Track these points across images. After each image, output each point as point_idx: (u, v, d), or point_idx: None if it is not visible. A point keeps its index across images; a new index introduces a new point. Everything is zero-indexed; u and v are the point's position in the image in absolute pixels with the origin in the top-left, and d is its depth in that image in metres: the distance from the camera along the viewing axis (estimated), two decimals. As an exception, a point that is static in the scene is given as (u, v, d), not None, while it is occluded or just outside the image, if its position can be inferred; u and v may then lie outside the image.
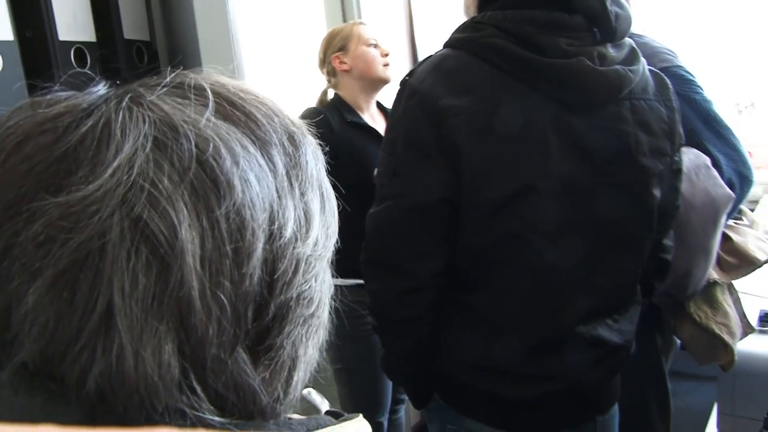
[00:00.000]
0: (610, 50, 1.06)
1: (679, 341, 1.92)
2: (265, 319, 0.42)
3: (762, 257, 1.65)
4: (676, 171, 1.17)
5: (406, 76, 1.10)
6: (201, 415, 0.39)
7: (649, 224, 1.15)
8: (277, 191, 0.43)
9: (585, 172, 1.06)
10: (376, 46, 2.04)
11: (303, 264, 0.44)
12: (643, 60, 1.12)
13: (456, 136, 1.00)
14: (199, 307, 0.38)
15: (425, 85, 1.04)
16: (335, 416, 0.45)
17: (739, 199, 1.57)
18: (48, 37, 0.77)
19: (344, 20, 2.31)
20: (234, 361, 0.40)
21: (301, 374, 0.46)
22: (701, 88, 1.56)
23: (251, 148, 0.42)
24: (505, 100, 1.02)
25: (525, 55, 1.02)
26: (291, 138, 0.46)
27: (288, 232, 0.43)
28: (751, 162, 1.59)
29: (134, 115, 0.40)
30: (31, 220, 0.37)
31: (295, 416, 0.45)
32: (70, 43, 0.80)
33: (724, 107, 3.40)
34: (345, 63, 2.03)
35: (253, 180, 0.41)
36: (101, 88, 0.44)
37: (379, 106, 2.14)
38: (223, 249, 0.39)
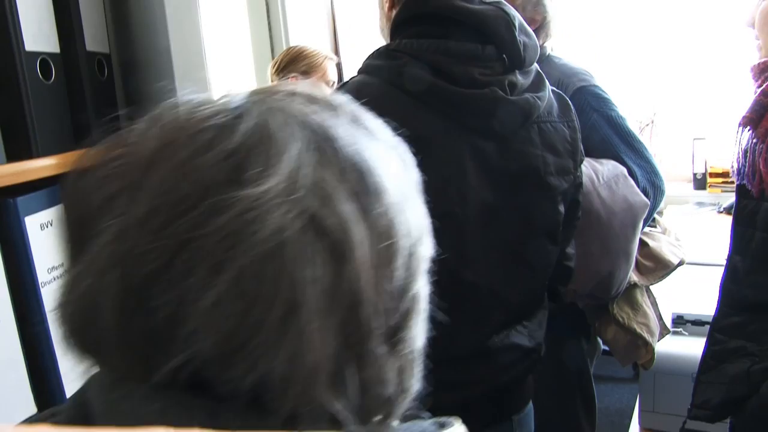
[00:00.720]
0: (519, 78, 1.11)
1: (602, 347, 2.02)
2: (400, 313, 0.44)
3: (675, 260, 1.77)
4: (578, 185, 1.24)
5: None
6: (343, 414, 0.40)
7: (555, 238, 1.21)
8: (405, 193, 0.46)
9: (498, 195, 1.10)
10: (332, 87, 2.06)
11: (422, 262, 0.46)
12: (548, 84, 1.18)
13: None
14: (366, 299, 0.40)
15: None
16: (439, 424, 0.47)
17: (653, 207, 1.67)
18: (14, 47, 0.76)
19: (270, 36, 2.31)
20: (380, 354, 0.42)
21: (419, 368, 0.47)
22: (616, 106, 1.67)
23: (385, 152, 0.45)
24: (423, 129, 1.04)
25: (441, 84, 1.05)
26: (403, 152, 0.50)
27: (414, 233, 0.45)
28: (661, 173, 1.72)
29: (289, 118, 0.41)
30: (214, 213, 0.37)
31: (400, 424, 0.46)
32: (36, 54, 0.79)
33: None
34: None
35: (394, 184, 0.43)
36: (237, 93, 0.44)
37: None
38: (381, 246, 0.41)
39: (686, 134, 3.61)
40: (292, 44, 2.22)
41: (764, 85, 1.17)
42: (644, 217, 1.60)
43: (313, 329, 0.37)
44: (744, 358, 1.22)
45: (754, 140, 1.18)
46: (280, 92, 0.44)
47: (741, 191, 1.27)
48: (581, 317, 1.79)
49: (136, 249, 0.37)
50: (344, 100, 0.47)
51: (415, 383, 0.47)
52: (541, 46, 1.79)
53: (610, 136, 1.63)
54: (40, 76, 0.79)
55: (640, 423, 2.08)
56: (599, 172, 1.53)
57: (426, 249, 0.48)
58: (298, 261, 0.37)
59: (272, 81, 2.05)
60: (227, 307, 0.36)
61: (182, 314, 0.37)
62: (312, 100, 0.44)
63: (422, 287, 0.47)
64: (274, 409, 0.38)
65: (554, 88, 1.22)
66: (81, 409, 0.42)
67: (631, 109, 3.69)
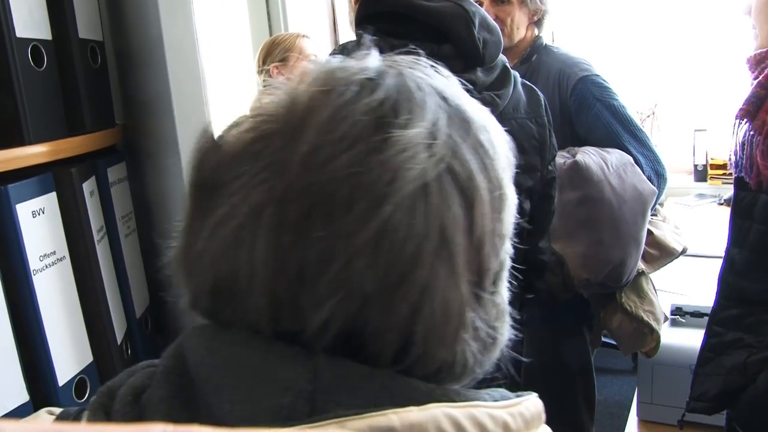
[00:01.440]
0: (480, 75, 1.11)
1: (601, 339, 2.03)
2: (500, 261, 0.47)
3: (678, 248, 1.79)
4: (549, 181, 1.24)
5: None
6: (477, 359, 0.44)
7: (520, 236, 1.21)
8: (504, 154, 0.49)
9: None
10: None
11: (511, 229, 0.49)
12: (515, 80, 1.18)
13: None
14: (488, 240, 0.44)
15: None
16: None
17: (659, 194, 1.70)
18: (5, 33, 0.75)
19: (269, 26, 2.31)
20: (488, 299, 0.45)
21: (508, 319, 0.50)
22: (617, 95, 1.69)
23: (489, 119, 0.49)
24: None
25: None
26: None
27: (508, 195, 0.48)
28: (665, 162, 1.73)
29: (419, 80, 0.45)
30: (373, 151, 0.40)
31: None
32: (27, 41, 0.79)
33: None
34: (282, 75, 2.03)
35: (498, 145, 0.48)
36: (372, 58, 0.47)
37: None
38: (494, 194, 0.45)
39: (687, 126, 3.61)
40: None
41: (761, 77, 1.16)
42: (652, 204, 1.63)
43: (459, 264, 0.41)
44: (741, 349, 1.22)
45: (751, 132, 1.17)
46: (407, 60, 0.49)
47: (739, 183, 1.26)
48: (585, 309, 1.80)
49: (297, 183, 0.39)
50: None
51: (506, 333, 0.49)
52: (537, 37, 1.79)
53: (614, 125, 1.65)
54: (32, 63, 0.78)
55: (638, 415, 2.07)
56: (608, 161, 1.55)
57: (510, 216, 0.50)
58: (442, 201, 0.41)
59: (259, 78, 2.08)
60: (387, 239, 0.39)
61: (339, 248, 0.39)
62: (432, 69, 0.49)
63: (509, 247, 0.50)
64: (418, 370, 0.41)
65: (526, 82, 1.21)
66: (177, 360, 0.43)
67: (632, 101, 3.69)
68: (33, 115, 0.77)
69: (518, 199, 1.16)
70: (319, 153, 0.39)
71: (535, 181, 1.19)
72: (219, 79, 2.16)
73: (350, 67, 0.45)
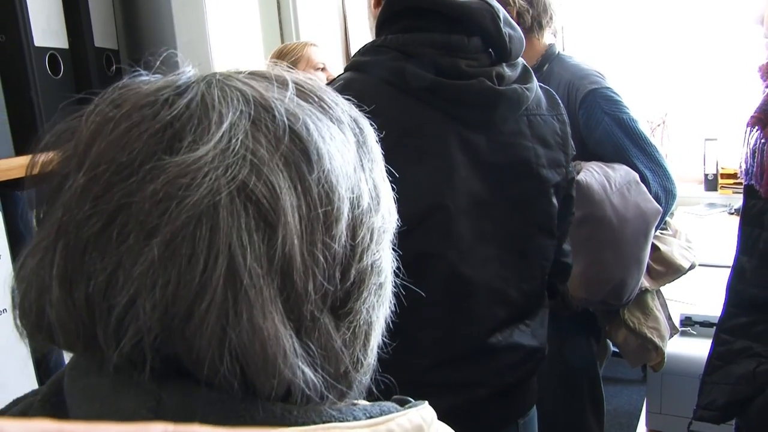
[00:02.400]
0: (506, 70, 1.11)
1: (611, 348, 2.02)
2: (347, 282, 0.44)
3: (686, 264, 1.77)
4: (571, 180, 1.23)
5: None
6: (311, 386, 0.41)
7: (551, 232, 1.21)
8: (353, 164, 0.46)
9: (490, 187, 1.10)
10: (323, 69, 2.09)
11: (376, 234, 0.47)
12: (534, 78, 1.18)
13: None
14: (299, 263, 0.40)
15: None
16: (401, 403, 0.46)
17: (665, 211, 1.66)
18: (23, 43, 0.77)
19: (281, 34, 2.33)
20: (323, 321, 0.42)
21: (375, 341, 0.48)
22: (628, 108, 1.66)
23: (330, 125, 0.46)
24: (411, 122, 1.05)
25: (428, 76, 1.05)
26: (356, 120, 0.50)
27: (364, 202, 0.46)
28: (674, 177, 1.70)
29: (228, 92, 0.43)
30: (148, 179, 0.38)
31: (362, 402, 0.46)
32: (45, 50, 0.80)
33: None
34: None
35: (336, 152, 0.44)
36: (189, 71, 0.45)
37: None
38: (315, 212, 0.42)
39: (698, 135, 3.60)
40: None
41: (773, 85, 1.16)
42: (657, 223, 1.60)
43: (255, 292, 0.38)
44: (750, 358, 1.22)
45: (763, 140, 1.17)
46: (232, 70, 0.46)
47: (749, 191, 1.26)
48: (592, 319, 1.79)
49: (76, 217, 0.38)
50: (297, 76, 0.49)
51: (371, 357, 0.47)
52: (550, 45, 1.78)
53: (622, 140, 1.62)
54: (49, 71, 0.80)
55: (647, 424, 2.07)
56: (612, 179, 1.53)
57: (383, 221, 0.48)
58: (229, 226, 0.38)
59: None
60: (162, 270, 0.37)
61: (119, 280, 0.38)
62: (257, 76, 0.46)
63: (380, 259, 0.47)
64: (260, 387, 0.39)
65: (542, 84, 1.22)
66: (54, 387, 0.44)
67: (643, 110, 3.68)
68: (50, 121, 0.79)
69: (549, 194, 1.17)
70: (95, 185, 0.38)
71: (561, 176, 1.19)
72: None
73: (146, 88, 0.43)
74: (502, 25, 1.10)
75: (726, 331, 1.30)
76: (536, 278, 1.21)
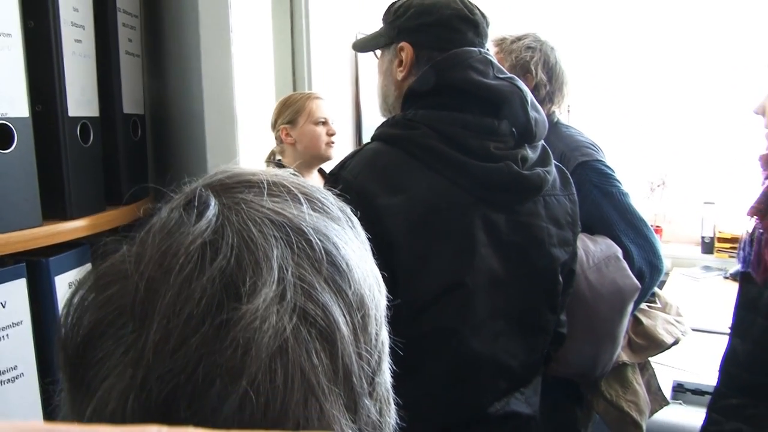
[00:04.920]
0: (529, 152, 1.15)
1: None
2: (374, 362, 0.48)
3: (669, 340, 1.75)
4: (573, 254, 1.27)
5: (337, 168, 1.13)
6: None
7: (555, 308, 1.24)
8: (365, 262, 0.50)
9: (506, 266, 1.13)
10: (324, 123, 2.13)
11: (382, 312, 0.51)
12: (552, 159, 1.22)
13: (392, 234, 1.04)
14: (356, 367, 0.45)
15: (360, 181, 1.07)
16: None
17: (649, 286, 1.66)
18: (59, 113, 0.80)
19: (294, 85, 2.37)
20: (367, 404, 0.47)
21: (392, 403, 0.52)
22: (619, 182, 1.65)
23: (341, 230, 0.49)
24: (438, 199, 1.08)
25: (458, 157, 1.08)
26: (343, 211, 0.53)
27: (376, 294, 0.50)
28: (661, 251, 1.67)
29: (261, 225, 0.45)
30: (224, 327, 0.41)
31: None
32: (78, 119, 0.83)
33: (637, 185, 3.66)
34: (290, 136, 2.11)
35: (356, 257, 0.49)
36: (211, 202, 0.47)
37: (321, 171, 2.23)
38: (357, 319, 0.46)
39: (697, 197, 3.64)
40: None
41: (772, 177, 1.20)
42: (635, 299, 1.58)
43: (329, 404, 0.43)
44: (740, 441, 1.24)
45: (760, 230, 1.21)
46: (243, 188, 0.49)
47: (745, 277, 1.29)
48: (575, 386, 1.79)
49: (156, 371, 0.40)
50: (302, 185, 0.51)
51: (392, 417, 0.52)
52: (550, 114, 1.81)
53: (610, 213, 1.62)
54: (80, 140, 0.83)
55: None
56: (590, 254, 1.52)
57: (383, 299, 0.52)
58: (301, 352, 0.42)
59: (275, 138, 2.16)
60: (249, 406, 0.40)
61: (207, 421, 0.40)
62: (275, 193, 0.49)
63: (385, 333, 0.51)
64: None
65: (556, 162, 1.26)
66: None
67: (644, 170, 3.74)
68: (76, 190, 0.81)
69: (557, 272, 1.19)
70: (168, 340, 0.40)
71: (569, 254, 1.22)
72: (252, 151, 2.23)
73: (186, 233, 0.44)
74: (529, 109, 1.13)
75: (717, 410, 1.32)
76: (538, 351, 1.24)
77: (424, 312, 1.08)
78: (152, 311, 0.42)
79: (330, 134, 2.12)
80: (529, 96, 1.17)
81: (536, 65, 1.74)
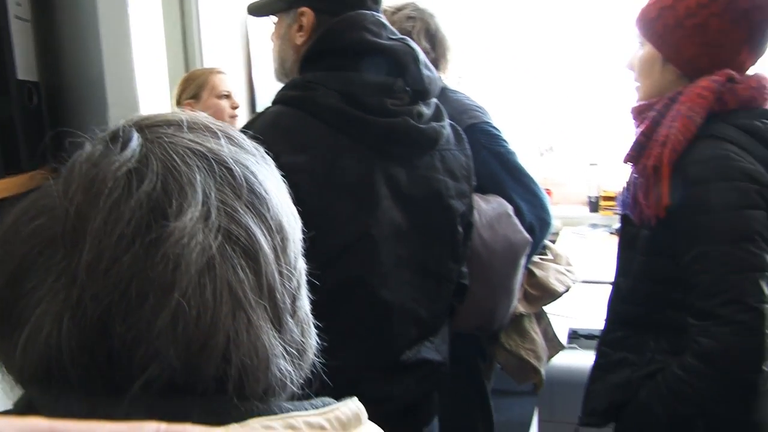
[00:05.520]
0: (424, 108, 1.22)
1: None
2: (295, 286, 0.53)
3: (561, 289, 1.89)
4: (470, 206, 1.35)
5: (240, 131, 1.18)
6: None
7: (457, 257, 1.32)
8: (281, 192, 0.55)
9: (408, 217, 1.20)
10: (228, 97, 2.12)
11: (299, 243, 0.55)
12: (446, 115, 1.29)
13: (298, 192, 1.10)
14: (279, 284, 0.49)
15: (263, 142, 1.11)
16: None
17: (540, 239, 1.75)
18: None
19: (186, 63, 2.34)
20: (291, 322, 0.51)
21: (312, 327, 0.57)
22: (506, 142, 1.73)
23: (260, 166, 0.53)
24: (339, 156, 1.13)
25: (357, 114, 1.13)
26: (262, 154, 0.56)
27: (293, 222, 0.54)
28: (550, 205, 1.78)
29: (183, 155, 0.48)
30: (153, 246, 0.44)
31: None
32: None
33: (527, 151, 3.84)
34: (194, 111, 2.08)
35: (273, 187, 0.53)
36: (133, 135, 0.49)
37: None
38: (277, 242, 0.50)
39: (582, 160, 3.86)
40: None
41: (642, 126, 1.31)
42: (527, 253, 1.67)
43: (256, 317, 0.47)
44: (626, 368, 1.35)
45: (635, 175, 1.32)
46: (163, 125, 0.51)
47: (624, 220, 1.41)
48: (477, 340, 1.87)
49: (90, 290, 0.43)
50: (217, 123, 0.55)
51: (313, 339, 0.56)
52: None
53: (499, 173, 1.68)
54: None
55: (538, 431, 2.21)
56: (482, 212, 1.58)
57: (299, 230, 0.56)
58: (227, 269, 0.46)
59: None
60: (182, 319, 0.43)
61: (141, 336, 0.43)
62: (194, 128, 0.52)
63: (302, 262, 0.56)
64: (244, 395, 0.46)
65: (449, 120, 1.32)
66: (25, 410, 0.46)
67: (531, 137, 3.92)
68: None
69: (456, 223, 1.26)
70: (102, 259, 0.43)
71: (466, 206, 1.30)
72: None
73: (112, 161, 0.46)
74: (422, 68, 1.19)
75: (606, 344, 1.44)
76: (443, 299, 1.31)
77: (333, 264, 1.12)
78: (83, 234, 0.44)
79: (234, 107, 2.13)
80: (422, 55, 1.23)
81: (418, 34, 1.78)
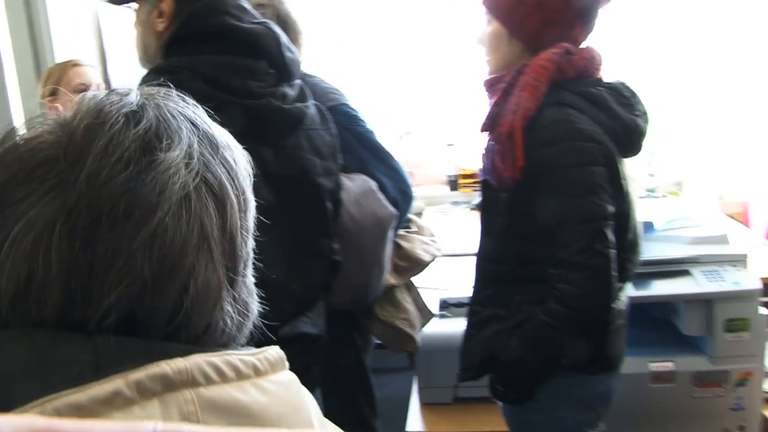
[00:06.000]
0: (288, 90, 1.26)
1: (374, 341, 2.21)
2: (247, 250, 0.59)
3: (427, 258, 1.99)
4: (338, 184, 1.42)
5: None
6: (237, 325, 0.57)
7: (327, 233, 1.38)
8: (243, 164, 0.62)
9: (277, 196, 1.23)
10: (85, 89, 2.03)
11: (251, 225, 0.61)
12: (310, 95, 1.34)
13: None
14: (238, 232, 0.57)
15: None
16: None
17: (404, 212, 1.83)
18: None
19: (36, 59, 2.23)
20: (242, 279, 0.57)
21: (256, 299, 0.63)
22: (365, 121, 1.80)
23: (232, 141, 0.61)
24: None
25: (222, 96, 1.15)
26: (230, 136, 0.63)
27: (250, 199, 0.61)
28: (411, 180, 1.87)
29: (173, 110, 0.56)
30: (144, 170, 0.51)
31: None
32: None
33: (387, 134, 3.96)
34: (56, 109, 1.99)
35: (239, 161, 0.60)
36: (132, 92, 0.56)
37: None
38: (239, 196, 0.58)
39: (440, 142, 4.03)
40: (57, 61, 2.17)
41: (495, 97, 1.42)
42: (393, 226, 1.76)
43: (216, 252, 0.54)
44: (496, 322, 1.47)
45: (491, 143, 1.43)
46: (159, 92, 0.59)
47: (485, 185, 1.52)
48: (352, 316, 1.93)
49: (84, 198, 0.49)
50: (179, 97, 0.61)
51: (255, 307, 0.63)
52: None
53: (361, 152, 1.75)
54: None
55: (419, 400, 2.31)
56: (349, 190, 1.63)
57: (253, 209, 0.63)
58: (200, 205, 0.53)
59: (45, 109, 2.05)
60: (162, 235, 0.50)
61: (123, 247, 0.49)
62: (180, 99, 0.60)
63: (252, 241, 0.62)
64: (183, 336, 0.52)
65: (315, 102, 1.37)
66: None
67: (390, 122, 4.04)
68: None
69: (324, 200, 1.30)
70: (101, 173, 0.49)
71: (333, 184, 1.34)
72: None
73: (116, 102, 0.54)
74: (284, 50, 1.22)
75: (476, 303, 1.55)
76: (316, 275, 1.36)
77: None
78: (87, 152, 0.50)
79: None
80: (284, 38, 1.26)
81: (269, 20, 1.81)
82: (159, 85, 1.11)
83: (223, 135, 0.60)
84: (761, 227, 3.33)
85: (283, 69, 1.24)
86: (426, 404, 2.30)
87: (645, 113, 1.47)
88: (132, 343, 0.49)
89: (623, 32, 3.60)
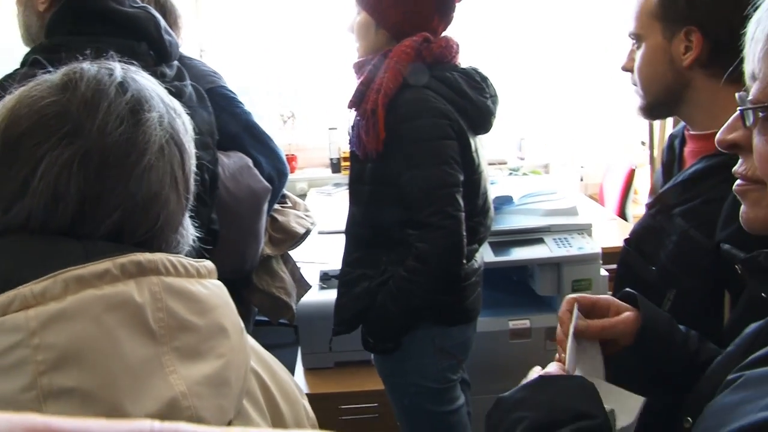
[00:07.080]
0: (166, 69, 1.37)
1: (255, 317, 2.29)
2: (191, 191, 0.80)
3: (301, 231, 2.11)
4: (214, 158, 1.54)
5: None
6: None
7: (205, 202, 1.48)
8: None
9: None
10: None
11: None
12: (188, 76, 1.45)
13: None
14: (190, 176, 0.77)
15: None
16: None
17: (279, 188, 1.95)
18: None
19: None
20: (188, 213, 0.79)
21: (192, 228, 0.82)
22: (242, 103, 1.88)
23: (180, 109, 0.80)
24: None
25: None
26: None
27: (193, 154, 0.80)
28: (286, 160, 1.98)
29: (146, 84, 0.74)
30: (137, 125, 0.69)
31: None
32: None
33: (270, 119, 4.06)
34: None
35: (187, 124, 0.79)
36: (117, 65, 0.75)
37: None
38: (188, 145, 0.77)
39: (322, 126, 4.16)
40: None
41: (362, 77, 1.58)
42: (269, 199, 1.87)
43: (180, 189, 0.74)
44: (364, 281, 1.63)
45: (357, 118, 1.59)
46: (131, 69, 0.76)
47: (353, 157, 1.68)
48: (229, 284, 2.01)
49: (98, 144, 0.66)
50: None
51: (191, 235, 0.80)
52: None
53: (238, 131, 1.82)
54: None
55: (303, 365, 2.45)
56: (225, 166, 1.72)
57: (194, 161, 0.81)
58: (171, 153, 0.73)
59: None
60: (147, 173, 0.69)
61: (122, 180, 0.68)
62: (151, 76, 0.78)
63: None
64: (153, 246, 0.72)
65: (192, 82, 1.48)
66: None
67: (275, 105, 4.14)
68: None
69: (201, 170, 1.41)
70: (107, 126, 0.67)
71: (210, 157, 1.45)
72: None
73: (108, 75, 0.72)
74: (163, 33, 1.33)
75: (347, 265, 1.71)
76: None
77: None
78: (96, 109, 0.68)
79: None
80: (162, 22, 1.36)
81: (148, 4, 1.86)
82: (40, 63, 1.20)
83: (176, 104, 0.77)
84: (612, 205, 3.70)
85: (162, 51, 1.34)
86: (309, 369, 2.45)
87: (494, 96, 1.67)
88: (110, 247, 0.66)
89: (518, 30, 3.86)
